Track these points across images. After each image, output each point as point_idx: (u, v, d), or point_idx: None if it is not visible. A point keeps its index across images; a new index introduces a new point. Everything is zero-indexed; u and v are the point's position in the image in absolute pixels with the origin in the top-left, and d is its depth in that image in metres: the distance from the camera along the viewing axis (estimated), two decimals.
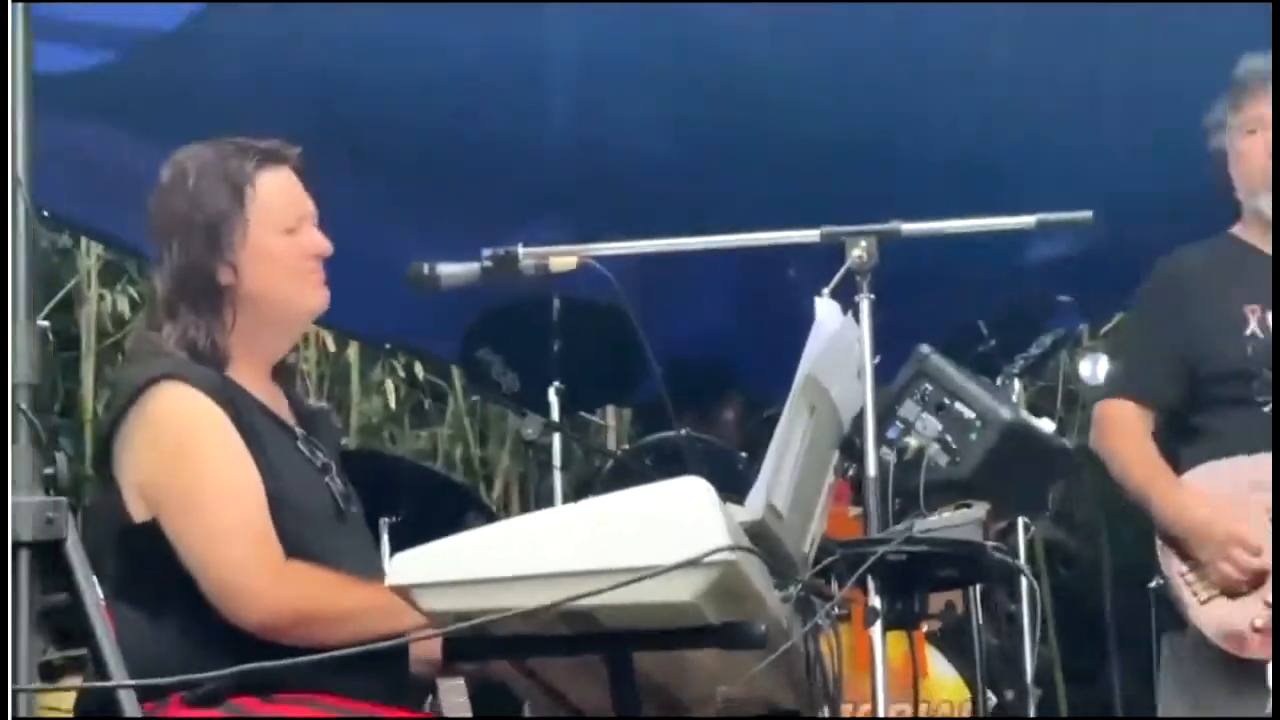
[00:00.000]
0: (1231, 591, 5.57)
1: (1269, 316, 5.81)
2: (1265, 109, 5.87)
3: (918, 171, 7.51)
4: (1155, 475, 5.79)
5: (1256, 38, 6.26)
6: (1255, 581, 5.59)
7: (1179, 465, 5.93)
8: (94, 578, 3.72)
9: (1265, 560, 5.58)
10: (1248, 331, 5.76)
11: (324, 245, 4.78)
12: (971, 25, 7.45)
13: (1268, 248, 5.97)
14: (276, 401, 4.81)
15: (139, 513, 4.52)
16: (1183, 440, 5.89)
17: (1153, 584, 5.75)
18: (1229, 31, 6.82)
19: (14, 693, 3.61)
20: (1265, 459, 5.63)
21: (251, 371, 4.73)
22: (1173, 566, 5.74)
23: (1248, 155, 5.87)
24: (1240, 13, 6.86)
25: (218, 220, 4.65)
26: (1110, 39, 7.56)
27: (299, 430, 4.82)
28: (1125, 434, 5.73)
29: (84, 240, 10.25)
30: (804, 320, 4.63)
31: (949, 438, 4.91)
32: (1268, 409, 5.71)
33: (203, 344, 4.62)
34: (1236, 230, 6.08)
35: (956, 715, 6.78)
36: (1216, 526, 5.60)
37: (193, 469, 4.53)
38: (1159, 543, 5.75)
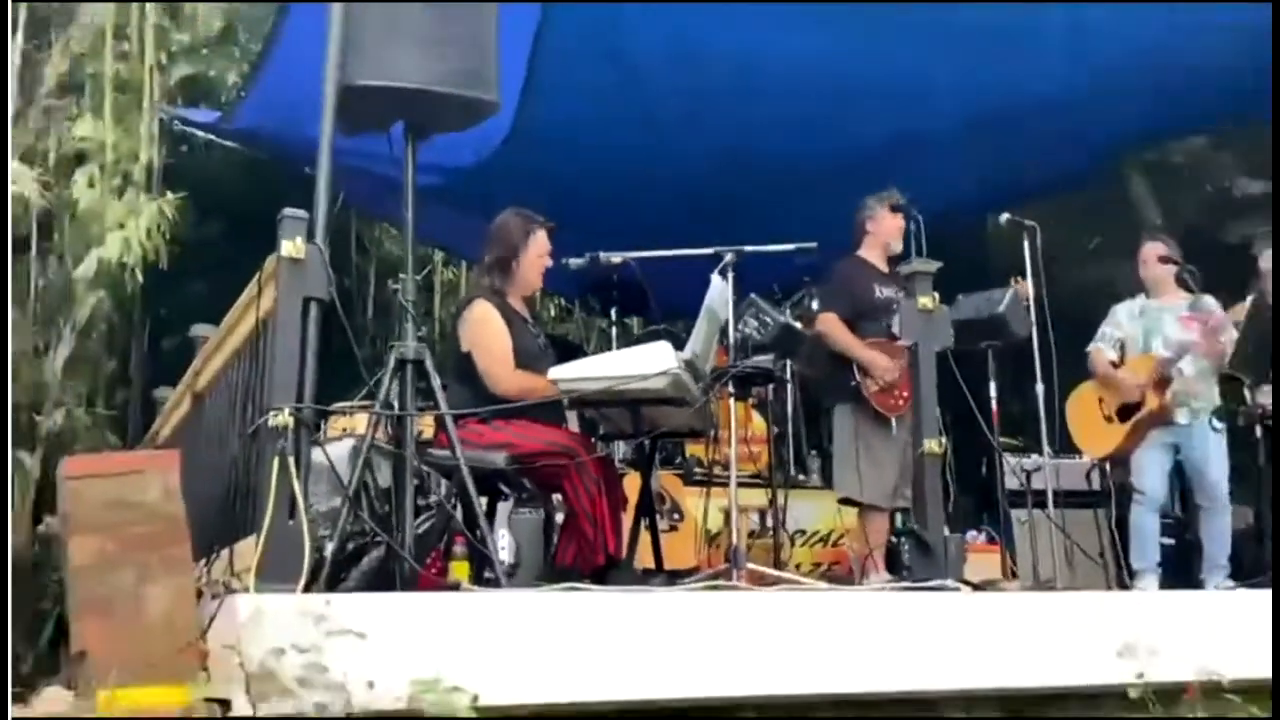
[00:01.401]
0: (886, 387, 5.33)
1: (889, 289, 5.49)
2: (898, 205, 5.57)
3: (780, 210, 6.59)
4: (852, 341, 5.46)
5: None
6: (894, 381, 5.33)
7: None
8: (437, 376, 3.71)
9: (898, 369, 5.27)
10: (879, 295, 5.46)
11: (548, 263, 4.71)
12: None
13: (880, 264, 5.64)
14: (525, 311, 4.74)
15: (465, 347, 4.48)
16: (854, 334, 5.47)
17: (852, 383, 5.42)
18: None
19: (402, 417, 3.64)
20: (887, 343, 5.32)
21: (516, 299, 4.65)
22: (860, 377, 5.39)
23: (891, 225, 5.57)
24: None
25: (517, 244, 4.62)
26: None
27: (532, 323, 4.75)
28: (835, 326, 5.48)
29: (436, 252, 10.09)
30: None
31: (761, 329, 4.90)
32: (890, 326, 5.18)
33: (497, 288, 4.59)
34: (860, 253, 5.68)
35: (761, 438, 6.53)
36: (883, 360, 5.30)
37: (483, 332, 4.47)
38: (855, 366, 5.42)
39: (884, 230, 5.62)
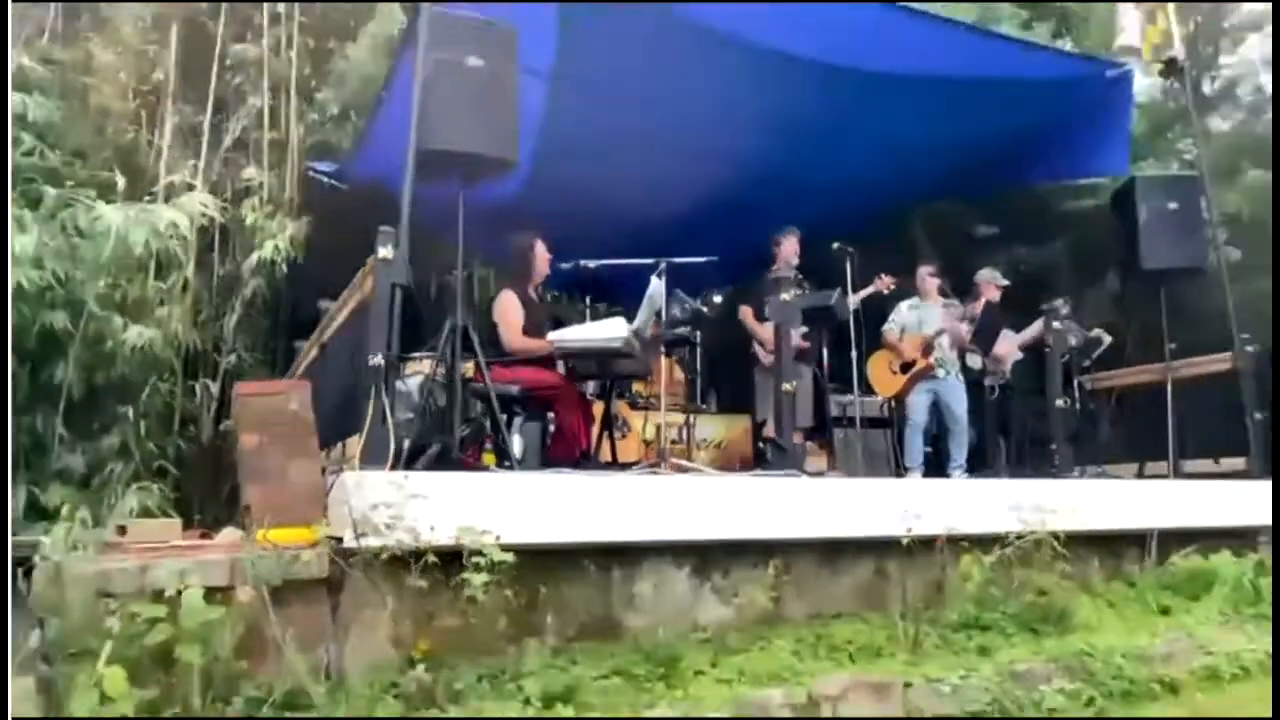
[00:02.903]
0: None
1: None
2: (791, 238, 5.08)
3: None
4: (755, 327, 5.28)
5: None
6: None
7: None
8: (476, 336, 3.55)
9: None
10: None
11: (549, 257, 4.47)
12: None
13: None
14: (535, 297, 4.50)
15: (494, 319, 4.34)
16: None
17: (752, 351, 5.28)
18: None
19: (453, 362, 3.53)
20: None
21: (530, 289, 4.46)
22: (757, 348, 5.33)
23: (788, 249, 5.08)
24: None
25: (527, 253, 4.43)
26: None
27: (539, 304, 4.53)
28: (747, 317, 5.34)
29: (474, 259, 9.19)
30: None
31: (682, 312, 4.80)
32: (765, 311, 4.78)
33: (518, 282, 4.38)
34: (774, 268, 4.79)
35: (680, 380, 6.20)
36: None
37: (504, 309, 4.32)
38: (755, 342, 5.33)
39: (784, 253, 5.33)
